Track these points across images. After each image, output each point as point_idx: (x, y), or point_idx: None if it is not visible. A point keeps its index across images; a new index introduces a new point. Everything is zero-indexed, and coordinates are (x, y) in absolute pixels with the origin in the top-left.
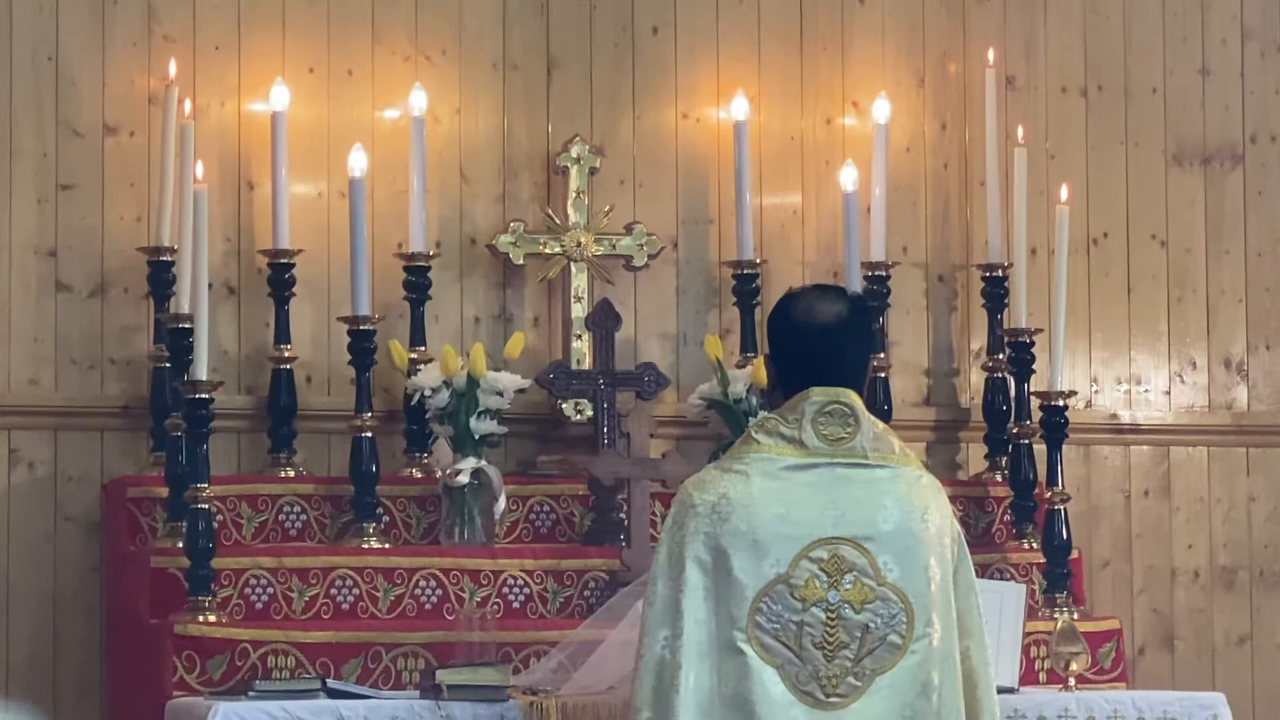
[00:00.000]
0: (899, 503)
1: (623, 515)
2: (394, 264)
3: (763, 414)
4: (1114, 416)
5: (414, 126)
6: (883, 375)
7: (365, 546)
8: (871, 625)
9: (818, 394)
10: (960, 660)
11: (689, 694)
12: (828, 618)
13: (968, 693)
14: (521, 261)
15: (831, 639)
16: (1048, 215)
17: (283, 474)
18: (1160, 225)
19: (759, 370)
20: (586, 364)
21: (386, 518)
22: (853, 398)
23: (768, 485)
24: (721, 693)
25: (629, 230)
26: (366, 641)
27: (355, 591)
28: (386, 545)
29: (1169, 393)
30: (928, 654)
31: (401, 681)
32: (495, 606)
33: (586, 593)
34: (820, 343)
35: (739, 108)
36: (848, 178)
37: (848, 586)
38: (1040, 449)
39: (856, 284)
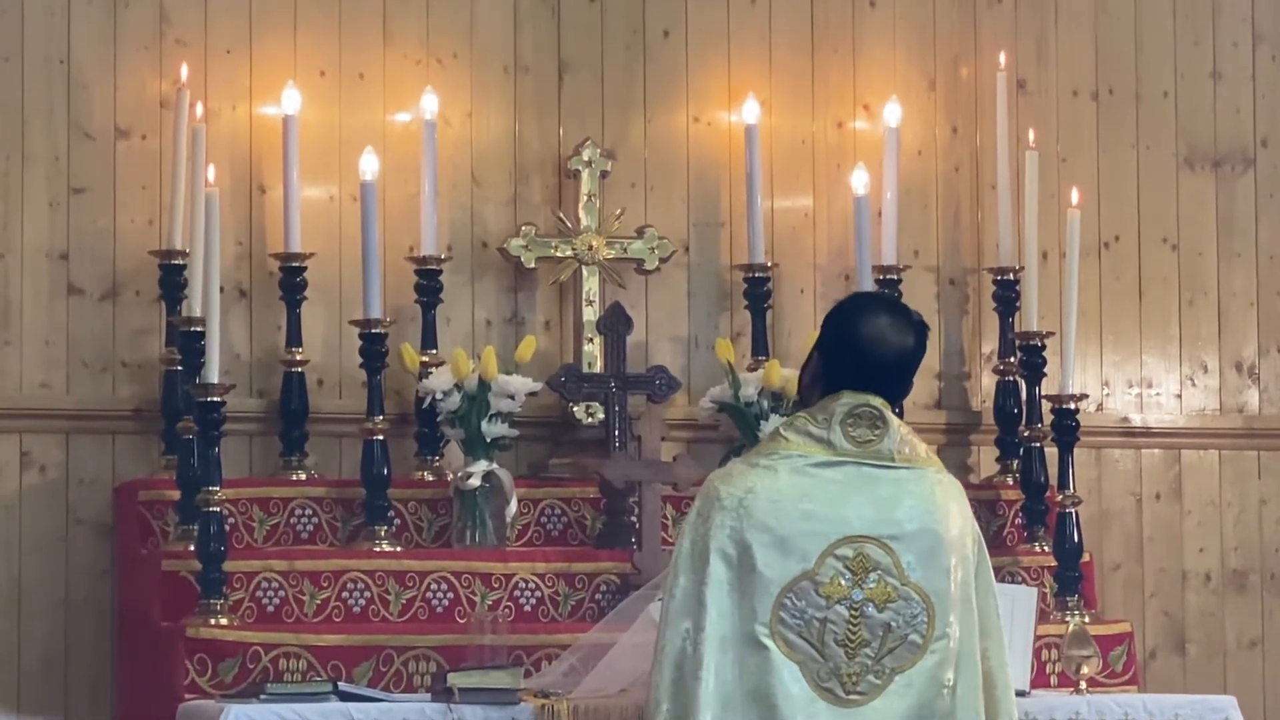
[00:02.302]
0: (923, 502)
1: (634, 518)
2: (405, 267)
3: (791, 415)
4: (1125, 420)
5: (425, 130)
6: None
7: (377, 549)
8: (893, 624)
9: (848, 397)
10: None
11: (710, 688)
12: (851, 615)
13: (986, 693)
14: (533, 265)
15: (854, 637)
16: (1059, 218)
17: (294, 477)
18: (1171, 228)
19: (770, 373)
20: (598, 367)
21: (398, 521)
22: (881, 401)
23: (795, 481)
24: (743, 687)
25: (640, 233)
26: (378, 644)
27: (367, 594)
28: (398, 548)
29: (1180, 396)
30: (946, 654)
31: (413, 684)
32: (507, 609)
33: (598, 596)
34: (881, 371)
35: (750, 111)
36: (859, 181)
37: (871, 585)
38: (1051, 452)
39: (868, 287)
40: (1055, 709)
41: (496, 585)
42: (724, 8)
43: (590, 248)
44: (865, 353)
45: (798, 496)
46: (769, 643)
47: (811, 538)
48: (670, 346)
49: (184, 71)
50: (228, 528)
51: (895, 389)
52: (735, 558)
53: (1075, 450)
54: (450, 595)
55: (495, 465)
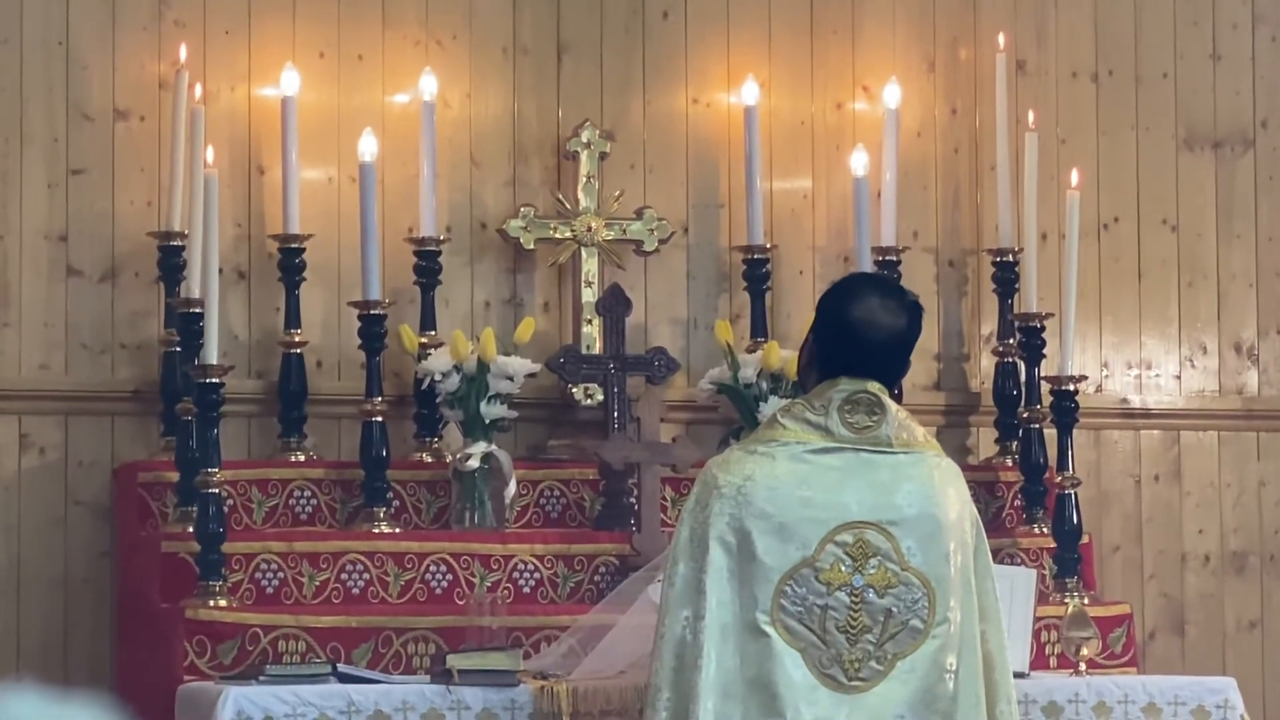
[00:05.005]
0: (921, 487)
1: (633, 500)
2: (404, 248)
3: (789, 400)
4: (1124, 401)
5: (424, 111)
6: None
7: (375, 531)
8: (894, 609)
9: (845, 384)
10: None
11: (711, 675)
12: (852, 602)
13: (985, 676)
14: (532, 246)
15: (855, 623)
16: (1058, 200)
17: (293, 459)
18: (1171, 210)
19: (769, 355)
20: (597, 349)
21: (397, 502)
22: (878, 387)
23: (793, 468)
24: (744, 675)
25: (639, 215)
26: (377, 626)
27: (366, 576)
28: (397, 530)
29: (1179, 377)
30: (948, 639)
31: (412, 666)
32: (506, 591)
33: (597, 577)
34: (873, 352)
35: (749, 92)
36: (858, 162)
37: (872, 571)
38: (1051, 434)
39: (867, 268)
40: (1054, 691)
41: (495, 567)
42: None
43: (589, 229)
44: (857, 334)
45: (796, 483)
46: (770, 630)
47: (811, 524)
48: (669, 328)
49: (183, 53)
50: (227, 509)
51: (890, 370)
52: (735, 545)
53: (1074, 432)
54: (449, 577)
55: (494, 447)
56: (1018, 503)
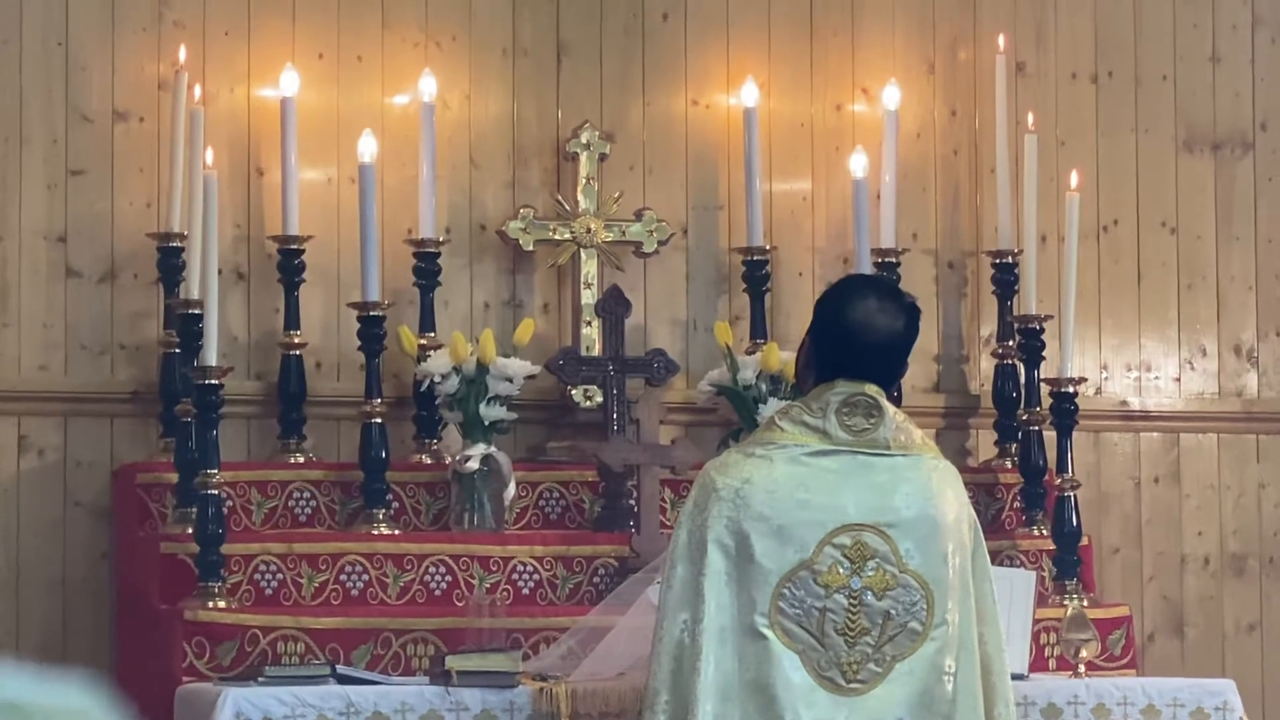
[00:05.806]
0: (919, 489)
1: (632, 502)
2: (403, 250)
3: (787, 402)
4: (1124, 403)
5: (424, 112)
6: None
7: (375, 533)
8: (893, 612)
9: (842, 386)
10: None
11: (709, 679)
12: (850, 604)
13: (983, 678)
14: (531, 247)
15: (853, 625)
16: (1058, 202)
17: (292, 460)
18: (1170, 212)
19: (769, 356)
20: (596, 350)
21: (396, 504)
22: (876, 389)
23: (791, 470)
24: (742, 678)
25: (639, 216)
26: (376, 627)
27: (365, 577)
28: (396, 531)
29: (1179, 379)
30: (946, 640)
31: (411, 667)
32: (505, 593)
33: (596, 579)
34: (871, 354)
35: (749, 94)
36: (858, 164)
37: (870, 573)
38: (1050, 436)
39: (866, 270)
40: (1053, 693)
41: (494, 568)
42: None
43: (589, 230)
44: (853, 336)
45: (794, 486)
46: (768, 633)
47: (809, 527)
48: (668, 330)
49: (182, 53)
50: (226, 510)
51: (887, 372)
52: (733, 548)
53: (1074, 434)
54: (448, 578)
55: (493, 448)
56: (1017, 505)
